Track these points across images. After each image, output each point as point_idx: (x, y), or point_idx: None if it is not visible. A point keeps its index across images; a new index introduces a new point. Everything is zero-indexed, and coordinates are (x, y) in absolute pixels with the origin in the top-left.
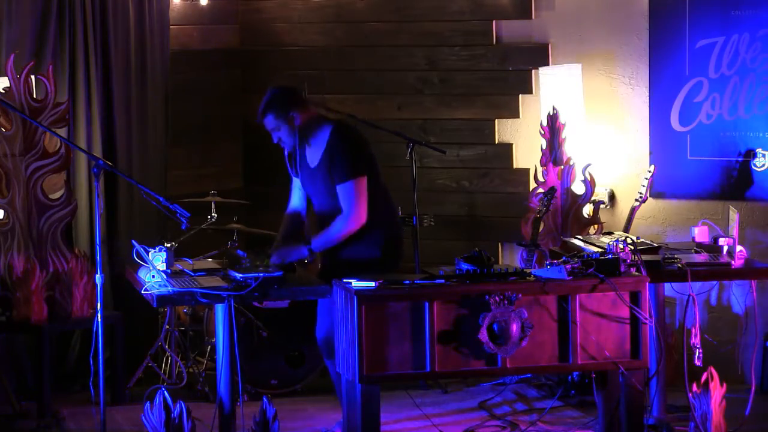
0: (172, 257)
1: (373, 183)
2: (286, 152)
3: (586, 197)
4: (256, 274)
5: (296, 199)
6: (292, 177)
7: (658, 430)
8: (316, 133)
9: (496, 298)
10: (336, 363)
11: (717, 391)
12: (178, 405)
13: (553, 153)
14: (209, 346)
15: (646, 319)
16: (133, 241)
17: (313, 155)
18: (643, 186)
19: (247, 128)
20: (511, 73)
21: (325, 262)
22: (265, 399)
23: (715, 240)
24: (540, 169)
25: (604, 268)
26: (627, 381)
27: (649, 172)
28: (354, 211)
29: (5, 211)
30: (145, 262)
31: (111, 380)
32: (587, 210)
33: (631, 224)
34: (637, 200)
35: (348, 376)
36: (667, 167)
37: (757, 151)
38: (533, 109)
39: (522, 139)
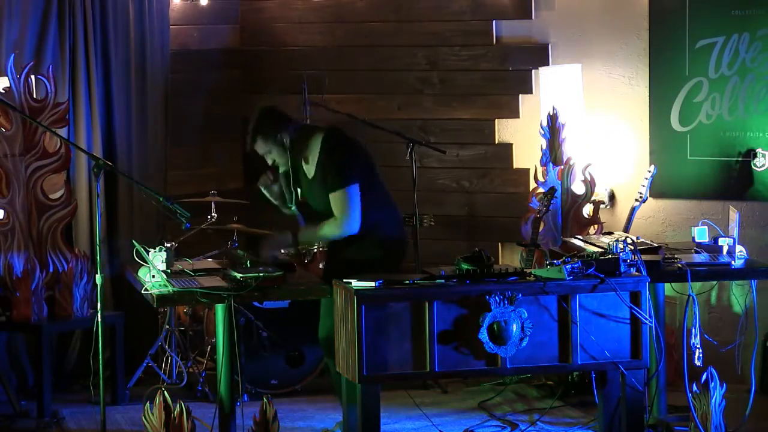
0: (172, 257)
1: (371, 185)
2: (281, 176)
3: (586, 197)
4: (256, 274)
5: None
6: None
7: (658, 430)
8: (309, 145)
9: (496, 298)
10: (336, 363)
11: (717, 391)
12: (178, 405)
13: (553, 153)
14: (209, 346)
15: (646, 319)
16: (133, 241)
17: (310, 167)
18: (643, 186)
19: (247, 128)
20: (511, 73)
21: (327, 263)
22: (265, 399)
23: (715, 240)
24: (540, 169)
25: (604, 268)
26: (627, 381)
27: (649, 172)
28: (346, 220)
29: (5, 211)
30: (145, 262)
31: (111, 380)
32: (587, 210)
33: (631, 224)
34: (637, 200)
35: (348, 376)
36: (667, 167)
37: (757, 151)
38: (533, 109)
39: (522, 139)
